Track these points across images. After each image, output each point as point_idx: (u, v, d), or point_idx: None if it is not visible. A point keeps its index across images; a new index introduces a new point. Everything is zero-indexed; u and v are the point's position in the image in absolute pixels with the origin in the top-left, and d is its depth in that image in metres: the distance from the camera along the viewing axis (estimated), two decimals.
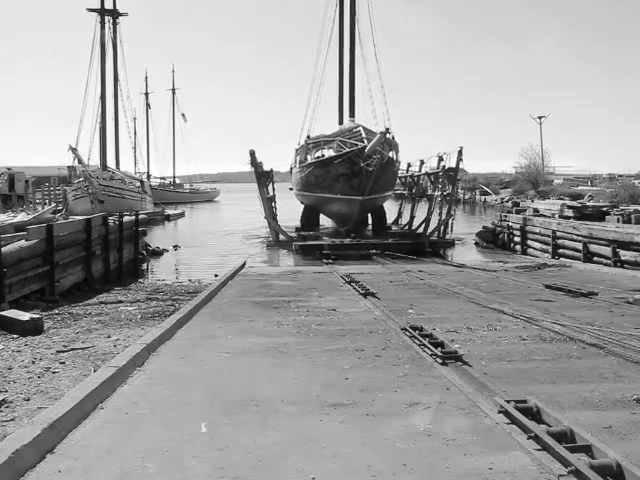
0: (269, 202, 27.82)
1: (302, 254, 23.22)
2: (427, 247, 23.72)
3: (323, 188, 28.19)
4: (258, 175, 27.82)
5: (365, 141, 26.65)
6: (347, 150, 26.74)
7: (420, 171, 32.21)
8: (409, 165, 35.63)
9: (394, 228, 32.71)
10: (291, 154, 37.14)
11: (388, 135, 27.34)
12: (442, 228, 26.55)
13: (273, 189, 28.38)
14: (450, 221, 26.71)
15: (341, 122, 36.37)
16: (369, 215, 31.94)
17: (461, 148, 26.33)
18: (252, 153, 27.67)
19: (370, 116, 35.15)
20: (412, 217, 32.11)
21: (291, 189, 36.07)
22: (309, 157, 32.70)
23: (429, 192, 30.59)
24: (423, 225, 27.28)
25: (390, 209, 34.49)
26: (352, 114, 35.64)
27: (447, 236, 26.40)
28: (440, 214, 26.62)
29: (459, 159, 26.49)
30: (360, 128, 29.41)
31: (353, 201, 26.45)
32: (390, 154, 29.57)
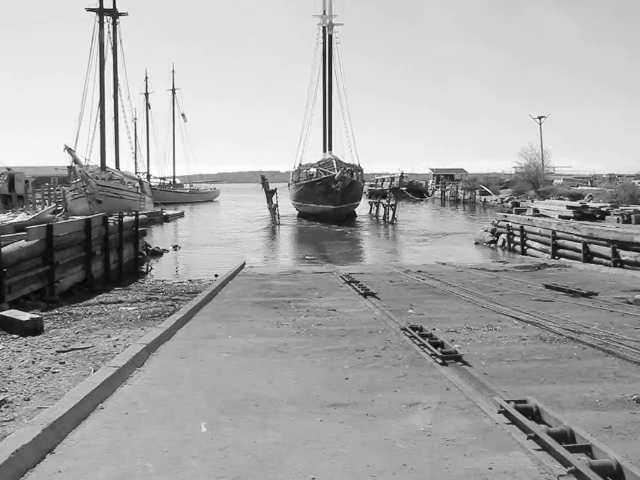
0: (274, 210, 43.84)
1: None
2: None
3: (310, 200, 44.45)
4: (266, 192, 44.92)
5: (335, 170, 43.17)
6: (324, 176, 43.50)
7: (382, 186, 49.87)
8: (376, 181, 55.30)
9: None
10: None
11: (355, 163, 49.64)
12: (390, 224, 42.13)
13: (276, 199, 44.22)
14: (394, 222, 41.89)
15: (325, 150, 54.63)
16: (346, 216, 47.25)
17: (402, 173, 44.55)
18: (263, 177, 45.52)
19: (346, 146, 55.95)
20: (377, 214, 48.37)
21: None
22: (302, 175, 50.72)
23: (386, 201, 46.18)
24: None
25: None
26: (330, 148, 54.05)
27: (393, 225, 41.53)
28: (388, 215, 43.72)
29: (401, 180, 44.41)
30: (333, 160, 46.75)
31: (328, 209, 41.86)
32: (358, 175, 48.22)
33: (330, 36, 54.00)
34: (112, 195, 38.82)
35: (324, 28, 54.55)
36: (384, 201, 45.44)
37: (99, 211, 25.60)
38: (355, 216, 47.53)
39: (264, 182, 44.90)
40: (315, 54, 55.24)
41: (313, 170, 48.68)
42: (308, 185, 45.43)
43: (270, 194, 44.69)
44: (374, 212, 49.64)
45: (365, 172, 54.93)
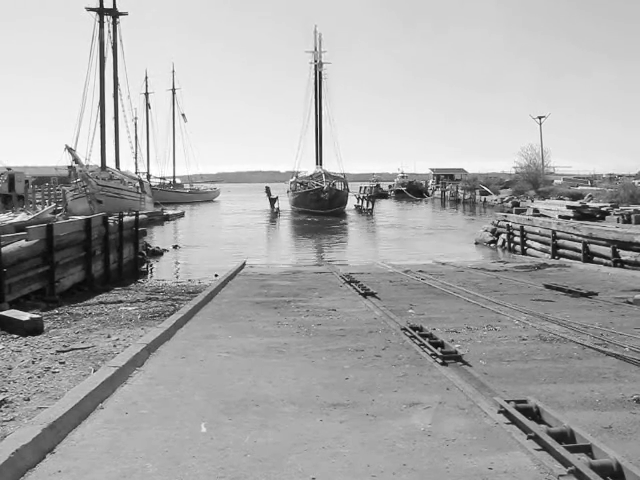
0: (275, 214, 54.87)
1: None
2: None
3: (305, 206, 54.36)
4: (269, 199, 57.92)
5: (324, 182, 54.22)
6: (315, 187, 54.40)
7: (364, 192, 62.71)
8: (360, 189, 65.68)
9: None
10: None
11: (341, 176, 61.68)
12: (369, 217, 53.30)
13: (278, 204, 56.95)
14: (372, 216, 52.88)
15: (317, 164, 64.90)
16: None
17: (378, 183, 71.37)
18: (267, 188, 60.08)
19: (335, 161, 67.10)
20: (360, 212, 59.33)
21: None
22: (298, 185, 61.38)
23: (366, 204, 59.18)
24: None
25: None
26: (320, 163, 64.70)
27: (371, 217, 52.80)
28: (367, 212, 56.19)
29: (377, 189, 66.22)
30: (322, 174, 58.16)
31: (319, 213, 51.08)
32: (343, 185, 59.50)
33: (320, 73, 64.84)
34: (112, 195, 38.80)
35: (315, 66, 64.57)
36: (364, 204, 58.89)
37: (99, 211, 25.61)
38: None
39: (268, 191, 58.93)
40: (309, 83, 66.52)
41: (306, 181, 60.46)
42: (303, 194, 56.92)
43: (273, 201, 57.24)
44: (359, 210, 61.87)
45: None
